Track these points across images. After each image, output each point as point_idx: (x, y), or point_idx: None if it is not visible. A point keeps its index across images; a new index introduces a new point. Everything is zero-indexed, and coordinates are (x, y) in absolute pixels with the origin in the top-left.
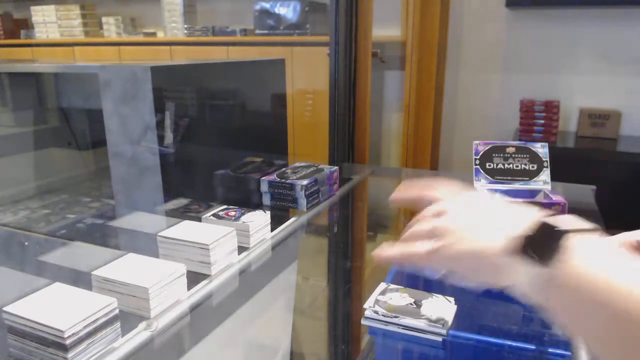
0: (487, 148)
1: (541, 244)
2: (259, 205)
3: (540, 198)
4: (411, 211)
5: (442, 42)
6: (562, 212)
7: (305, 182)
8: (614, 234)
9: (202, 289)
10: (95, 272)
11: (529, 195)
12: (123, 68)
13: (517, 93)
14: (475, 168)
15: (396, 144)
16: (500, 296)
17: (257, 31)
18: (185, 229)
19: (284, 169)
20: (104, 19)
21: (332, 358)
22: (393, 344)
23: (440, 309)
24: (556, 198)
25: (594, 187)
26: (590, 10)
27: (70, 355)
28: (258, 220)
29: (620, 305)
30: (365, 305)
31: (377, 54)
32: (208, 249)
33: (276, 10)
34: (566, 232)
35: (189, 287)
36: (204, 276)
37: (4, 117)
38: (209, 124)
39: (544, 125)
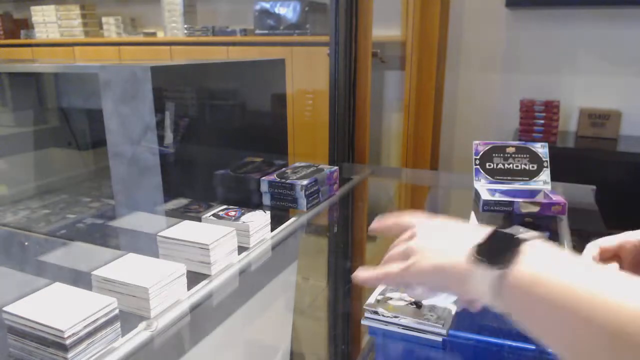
0: (487, 148)
1: (493, 250)
2: (259, 205)
3: (540, 198)
4: (411, 211)
5: (442, 42)
6: (562, 212)
7: (305, 182)
8: (613, 234)
9: (202, 289)
10: (95, 272)
11: (529, 195)
12: (123, 68)
13: (517, 93)
14: (475, 168)
15: (396, 144)
16: None
17: (257, 31)
18: (185, 229)
19: (284, 169)
20: (104, 19)
21: (332, 358)
22: (393, 344)
23: (440, 309)
24: (556, 198)
25: (594, 187)
26: (590, 10)
27: (70, 355)
28: (258, 220)
29: (569, 303)
30: (366, 306)
31: (377, 54)
32: (208, 249)
33: (276, 10)
34: (517, 238)
35: (189, 287)
36: (204, 276)
37: (4, 117)
38: (209, 124)
39: (544, 125)
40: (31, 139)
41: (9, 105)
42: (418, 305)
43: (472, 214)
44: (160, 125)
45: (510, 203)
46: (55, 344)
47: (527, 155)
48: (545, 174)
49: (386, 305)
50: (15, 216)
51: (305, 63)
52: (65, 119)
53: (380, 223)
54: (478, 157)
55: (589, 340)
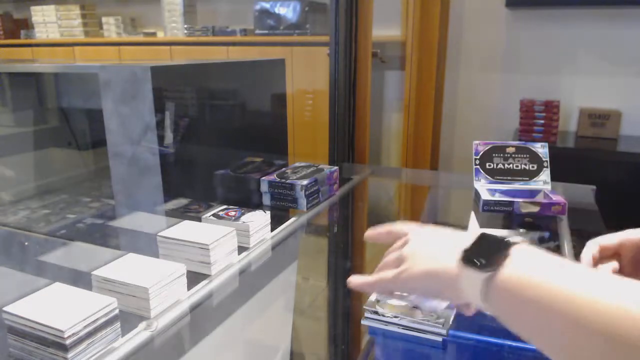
0: (487, 148)
1: (480, 253)
2: (259, 205)
3: (540, 198)
4: (410, 211)
5: (442, 42)
6: (562, 212)
7: (305, 182)
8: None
9: (202, 289)
10: (95, 272)
11: (529, 195)
12: (123, 68)
13: (517, 93)
14: (475, 168)
15: (396, 144)
16: None
17: (257, 31)
18: (185, 229)
19: (284, 169)
20: (104, 19)
21: (332, 358)
22: (393, 344)
23: (440, 309)
24: (556, 198)
25: (594, 187)
26: (590, 10)
27: (70, 355)
28: (258, 220)
29: (558, 305)
30: (365, 306)
31: (377, 54)
32: (208, 249)
33: (276, 10)
34: (504, 241)
35: (189, 287)
36: (204, 276)
37: (4, 117)
38: (209, 124)
39: (544, 125)
40: (31, 139)
41: (9, 105)
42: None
43: (472, 214)
44: (160, 125)
45: (510, 203)
46: (55, 344)
47: (527, 155)
48: (545, 174)
49: (386, 305)
50: (15, 216)
51: (305, 63)
52: (65, 119)
53: (374, 231)
54: (478, 157)
55: (579, 342)
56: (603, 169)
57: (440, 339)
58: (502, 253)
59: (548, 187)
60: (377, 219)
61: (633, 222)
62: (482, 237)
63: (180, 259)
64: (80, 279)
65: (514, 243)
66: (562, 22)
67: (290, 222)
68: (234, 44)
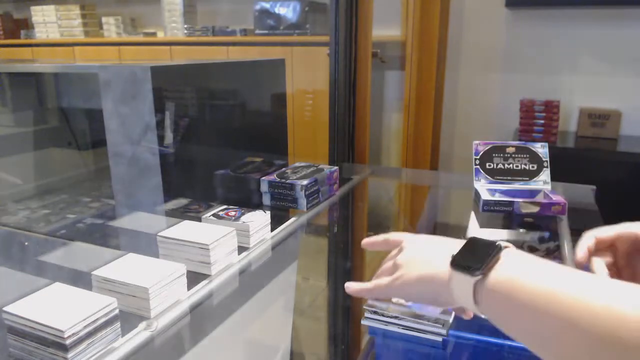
0: (487, 148)
1: (471, 257)
2: (259, 205)
3: (540, 198)
4: (410, 211)
5: (442, 42)
6: (562, 212)
7: (305, 182)
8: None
9: (202, 289)
10: (95, 272)
11: (529, 195)
12: (123, 68)
13: (517, 93)
14: (475, 168)
15: (396, 144)
16: None
17: (257, 31)
18: (185, 229)
19: (284, 169)
20: (104, 19)
21: (332, 358)
22: (393, 344)
23: (441, 308)
24: (556, 198)
25: (594, 187)
26: (590, 10)
27: (70, 355)
28: (258, 220)
29: (551, 307)
30: (365, 306)
31: (377, 54)
32: (208, 249)
33: (276, 10)
34: (494, 245)
35: (189, 287)
36: (204, 276)
37: (4, 117)
38: (209, 124)
39: (544, 125)
40: (31, 139)
41: (9, 105)
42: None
43: (472, 214)
44: (160, 125)
45: (510, 203)
46: (55, 344)
47: (527, 155)
48: (545, 174)
49: (386, 305)
50: (15, 216)
51: (305, 63)
52: (65, 119)
53: (370, 240)
54: (478, 157)
55: (569, 343)
56: (603, 169)
57: (440, 339)
58: (491, 257)
59: (548, 187)
60: (377, 219)
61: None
62: (472, 241)
63: (180, 259)
64: (80, 279)
65: (504, 247)
66: (562, 22)
67: (290, 222)
68: (234, 44)
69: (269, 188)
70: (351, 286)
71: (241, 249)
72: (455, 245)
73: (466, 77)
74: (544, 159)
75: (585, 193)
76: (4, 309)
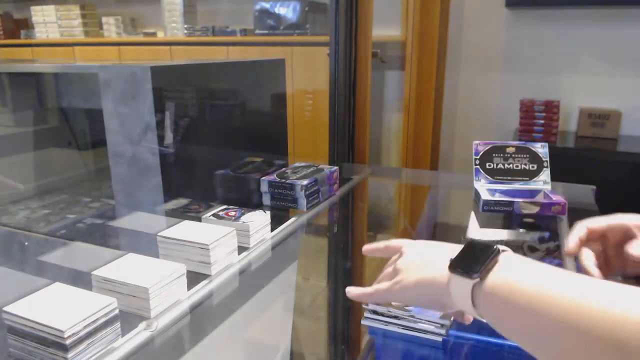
0: (487, 148)
1: (469, 260)
2: (259, 205)
3: (540, 198)
4: (410, 211)
5: (442, 42)
6: (562, 212)
7: (305, 182)
8: None
9: (202, 289)
10: (95, 272)
11: (529, 195)
12: (123, 68)
13: (517, 93)
14: (475, 168)
15: (396, 144)
16: None
17: (257, 31)
18: (185, 229)
19: (284, 169)
20: (104, 19)
21: (332, 358)
22: (393, 344)
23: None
24: (556, 198)
25: (594, 187)
26: (590, 10)
27: (70, 355)
28: (258, 220)
29: (548, 310)
30: (365, 306)
31: (377, 54)
32: (208, 249)
33: (276, 10)
34: (492, 248)
35: (189, 287)
36: (204, 276)
37: (4, 117)
38: (209, 124)
39: (544, 125)
40: (31, 139)
41: (9, 105)
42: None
43: (472, 214)
44: (160, 125)
45: (510, 203)
46: (55, 344)
47: (527, 155)
48: (545, 174)
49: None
50: (15, 216)
51: (305, 63)
52: (65, 119)
53: (371, 247)
54: (478, 157)
55: (567, 346)
56: (603, 169)
57: (440, 339)
58: (489, 260)
59: (548, 187)
60: (377, 219)
61: None
62: (471, 244)
63: (180, 259)
64: (80, 279)
65: (502, 250)
66: (562, 22)
67: (290, 222)
68: (234, 44)
69: (269, 188)
70: (352, 291)
71: (241, 249)
72: (454, 249)
73: (466, 77)
74: (544, 159)
75: (585, 193)
76: (4, 309)
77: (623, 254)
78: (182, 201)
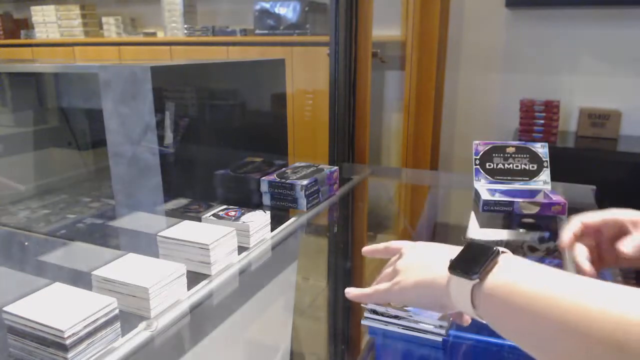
0: (487, 148)
1: (468, 261)
2: (259, 205)
3: (540, 198)
4: (410, 211)
5: (442, 42)
6: (562, 212)
7: (305, 182)
8: None
9: (202, 289)
10: (95, 272)
11: (529, 195)
12: (123, 68)
13: (517, 93)
14: (475, 168)
15: (396, 144)
16: None
17: (257, 31)
18: (185, 229)
19: (284, 169)
20: (104, 19)
21: (332, 358)
22: (393, 344)
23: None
24: (556, 198)
25: (594, 187)
26: (590, 10)
27: (70, 355)
28: (258, 220)
29: (546, 311)
30: (364, 305)
31: (377, 54)
32: (208, 249)
33: (276, 10)
34: (492, 249)
35: (189, 287)
36: (204, 276)
37: (4, 117)
38: (209, 124)
39: (544, 125)
40: (31, 139)
41: (9, 105)
42: None
43: (472, 214)
44: (160, 125)
45: (510, 203)
46: (55, 344)
47: (527, 155)
48: (545, 174)
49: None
50: (15, 216)
51: (305, 63)
52: (65, 119)
53: (371, 248)
54: (478, 157)
55: (566, 347)
56: (603, 169)
57: (440, 339)
58: (489, 261)
59: (548, 187)
60: (377, 219)
61: None
62: (470, 245)
63: (180, 259)
64: (80, 279)
65: (501, 252)
66: (562, 22)
67: (290, 222)
68: (234, 44)
69: (269, 188)
70: (351, 291)
71: (241, 249)
72: (453, 250)
73: (466, 77)
74: (544, 159)
75: (585, 193)
76: (4, 309)
77: (613, 244)
78: (182, 201)
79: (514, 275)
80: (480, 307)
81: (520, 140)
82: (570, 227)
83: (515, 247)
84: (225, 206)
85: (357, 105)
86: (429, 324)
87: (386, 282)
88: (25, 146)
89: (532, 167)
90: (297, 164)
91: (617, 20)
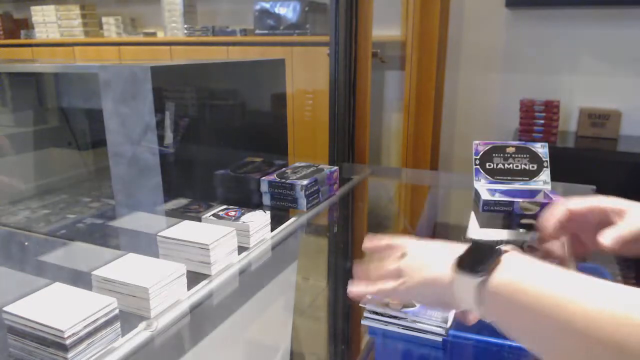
0: (487, 148)
1: (473, 260)
2: (259, 205)
3: (540, 198)
4: (410, 211)
5: (442, 42)
6: None
7: (305, 182)
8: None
9: (202, 289)
10: (95, 272)
11: (529, 195)
12: (123, 68)
13: (517, 93)
14: (475, 168)
15: (396, 144)
16: None
17: (257, 31)
18: (185, 229)
19: (284, 169)
20: (104, 19)
21: (332, 358)
22: (393, 344)
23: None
24: (556, 198)
25: (594, 187)
26: (590, 10)
27: (70, 355)
28: (258, 220)
29: (548, 310)
30: (362, 303)
31: (377, 54)
32: (208, 249)
33: (276, 10)
34: (497, 248)
35: (189, 287)
36: (204, 276)
37: (4, 117)
38: (209, 124)
39: (544, 125)
40: (31, 139)
41: (9, 105)
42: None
43: (472, 214)
44: (160, 125)
45: (510, 203)
46: (55, 344)
47: (527, 155)
48: (545, 174)
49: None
50: (15, 216)
51: (305, 63)
52: (65, 119)
53: (373, 244)
54: (478, 157)
55: (570, 346)
56: (603, 169)
57: (440, 339)
58: (493, 259)
59: (548, 187)
60: (377, 219)
61: None
62: (475, 244)
63: (180, 259)
64: (80, 279)
65: (505, 250)
66: (562, 22)
67: (290, 222)
68: (234, 44)
69: (269, 188)
70: (354, 290)
71: (241, 249)
72: (457, 248)
73: (466, 77)
74: (544, 159)
75: (585, 193)
76: (4, 309)
77: (598, 233)
78: (182, 201)
79: (519, 273)
80: (484, 306)
81: (520, 140)
82: (555, 214)
83: (515, 248)
84: (225, 206)
85: (357, 105)
86: (429, 324)
87: (390, 281)
88: (25, 146)
89: (532, 167)
90: (297, 164)
91: (617, 20)
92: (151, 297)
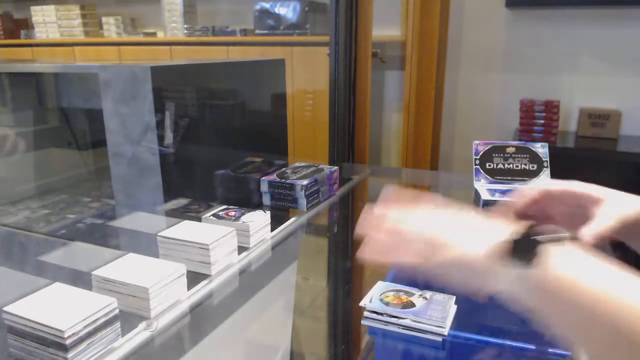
0: (487, 148)
1: (525, 249)
2: (259, 205)
3: None
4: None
5: (442, 42)
6: None
7: (305, 182)
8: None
9: (202, 289)
10: (95, 272)
11: None
12: (123, 68)
13: (517, 93)
14: (475, 168)
15: (396, 144)
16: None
17: (257, 31)
18: (185, 229)
19: (284, 169)
20: (104, 19)
21: (332, 358)
22: (393, 344)
23: (440, 308)
24: None
25: None
26: (590, 10)
27: (70, 355)
28: (258, 220)
29: (600, 309)
30: (362, 303)
31: (377, 54)
32: (208, 249)
33: (276, 10)
34: (548, 239)
35: (189, 287)
36: (204, 276)
37: (4, 117)
38: (209, 124)
39: (544, 125)
40: (31, 139)
41: (9, 105)
42: (418, 305)
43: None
44: (160, 125)
45: None
46: (55, 344)
47: (527, 155)
48: (545, 174)
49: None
50: (15, 216)
51: (305, 63)
52: (65, 119)
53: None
54: (478, 157)
55: (620, 346)
56: (603, 169)
57: (440, 339)
58: (541, 250)
59: None
60: None
61: None
62: (525, 232)
63: (180, 259)
64: (80, 279)
65: (554, 241)
66: (562, 22)
67: (290, 222)
68: (234, 44)
69: (269, 188)
70: (366, 256)
71: (241, 249)
72: (493, 225)
73: (466, 77)
74: (544, 159)
75: None
76: (4, 309)
77: (571, 218)
78: (182, 201)
79: (569, 269)
80: (533, 300)
81: (520, 140)
82: (528, 193)
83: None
84: (225, 206)
85: (357, 105)
86: (429, 324)
87: (413, 254)
88: (25, 146)
89: (532, 167)
90: (297, 164)
91: (617, 20)
92: (151, 297)
